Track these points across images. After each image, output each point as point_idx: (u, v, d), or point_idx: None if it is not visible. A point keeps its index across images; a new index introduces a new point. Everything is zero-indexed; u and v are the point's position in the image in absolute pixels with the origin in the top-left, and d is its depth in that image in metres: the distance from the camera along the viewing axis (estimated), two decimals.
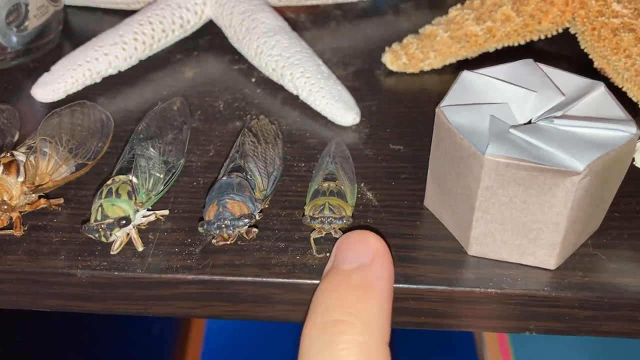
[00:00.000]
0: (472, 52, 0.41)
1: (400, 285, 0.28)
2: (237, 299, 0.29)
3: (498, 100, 0.29)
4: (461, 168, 0.28)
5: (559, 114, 0.28)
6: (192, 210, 0.32)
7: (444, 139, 0.29)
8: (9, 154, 0.30)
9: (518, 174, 0.26)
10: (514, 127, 0.27)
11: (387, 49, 0.42)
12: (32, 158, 0.30)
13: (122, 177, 0.29)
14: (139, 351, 0.77)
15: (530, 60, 0.31)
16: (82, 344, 0.61)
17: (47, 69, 0.40)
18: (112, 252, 0.29)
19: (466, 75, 0.31)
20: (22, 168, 0.29)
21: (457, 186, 0.28)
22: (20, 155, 0.30)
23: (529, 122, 0.29)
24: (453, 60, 0.41)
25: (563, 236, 0.27)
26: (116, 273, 0.29)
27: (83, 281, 0.29)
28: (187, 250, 0.29)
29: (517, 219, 0.27)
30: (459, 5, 0.43)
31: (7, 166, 0.29)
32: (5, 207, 0.28)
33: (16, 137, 0.36)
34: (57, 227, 0.31)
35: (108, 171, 0.34)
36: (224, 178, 0.30)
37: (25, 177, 0.29)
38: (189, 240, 0.30)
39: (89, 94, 0.39)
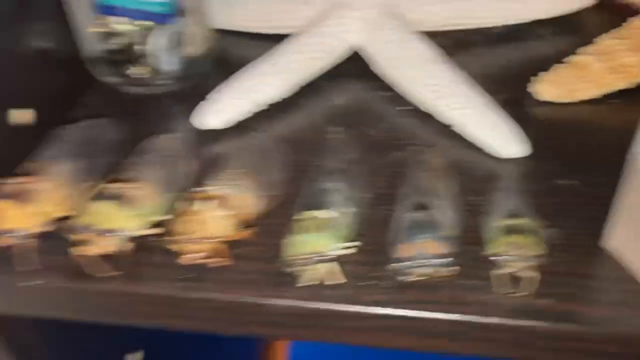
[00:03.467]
0: (628, 84, 0.41)
1: (598, 329, 0.28)
2: (428, 334, 0.30)
3: None
4: None
5: None
6: (373, 242, 0.32)
7: None
8: (216, 189, 0.31)
9: None
10: None
11: (537, 78, 0.42)
12: (235, 192, 0.31)
13: (319, 212, 0.30)
14: None
15: None
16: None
17: (201, 95, 0.41)
18: (305, 283, 0.30)
19: None
20: (230, 202, 0.30)
21: None
22: (225, 188, 0.31)
23: None
24: (608, 90, 0.41)
25: None
26: (316, 304, 0.30)
27: (281, 311, 0.30)
28: (379, 284, 0.30)
29: None
30: (609, 34, 0.43)
31: (219, 200, 0.30)
32: (220, 238, 0.29)
33: (189, 164, 0.37)
34: (250, 256, 0.32)
35: (286, 200, 0.35)
36: (411, 216, 0.30)
37: (233, 211, 0.30)
38: (379, 274, 0.31)
39: (247, 121, 0.41)
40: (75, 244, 0.31)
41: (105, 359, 0.49)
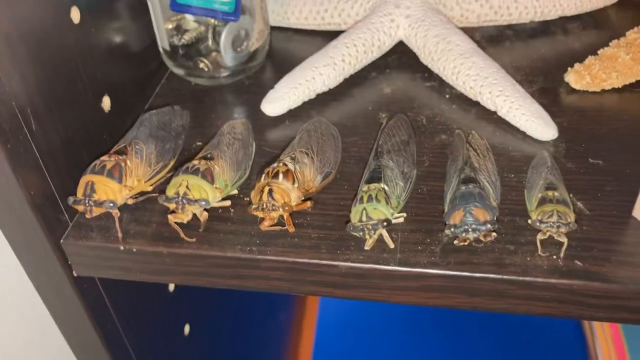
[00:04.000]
0: None
1: (625, 286, 0.32)
2: (474, 293, 0.34)
3: None
4: None
5: None
6: (423, 214, 0.37)
7: None
8: (282, 164, 0.35)
9: None
10: None
11: (570, 69, 0.46)
12: (298, 167, 0.35)
13: (376, 185, 0.35)
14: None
15: None
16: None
17: (258, 86, 0.46)
18: (366, 248, 0.34)
19: None
20: (295, 176, 0.35)
21: None
22: (290, 164, 0.35)
23: None
24: (633, 80, 0.45)
25: None
26: (373, 266, 0.34)
27: (343, 272, 0.34)
28: (429, 249, 0.35)
29: None
30: (636, 29, 0.46)
31: (285, 174, 0.34)
32: (287, 207, 0.34)
33: (254, 146, 0.42)
34: (312, 224, 0.36)
35: (341, 178, 0.39)
36: (463, 187, 0.34)
37: (298, 184, 0.35)
38: (428, 240, 0.35)
39: (304, 109, 0.45)
40: (156, 213, 0.36)
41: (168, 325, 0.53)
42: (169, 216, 0.35)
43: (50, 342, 0.43)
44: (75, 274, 0.38)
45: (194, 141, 0.43)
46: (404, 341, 1.02)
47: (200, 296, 0.58)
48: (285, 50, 0.53)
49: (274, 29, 0.55)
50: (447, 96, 0.46)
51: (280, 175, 0.35)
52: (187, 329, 0.56)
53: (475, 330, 1.01)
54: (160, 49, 0.48)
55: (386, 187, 0.35)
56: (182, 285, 0.53)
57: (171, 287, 0.52)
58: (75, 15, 0.38)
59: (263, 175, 0.35)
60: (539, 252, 0.34)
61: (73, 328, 0.42)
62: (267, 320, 0.87)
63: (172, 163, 0.40)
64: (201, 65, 0.48)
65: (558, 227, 0.33)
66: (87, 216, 0.36)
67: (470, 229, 0.33)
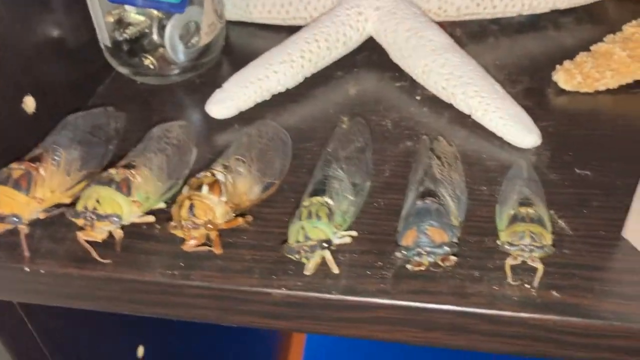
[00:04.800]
0: None
1: (609, 323, 0.27)
2: (430, 327, 0.29)
3: None
4: None
5: None
6: (377, 231, 0.31)
7: None
8: (209, 174, 0.30)
9: None
10: None
11: (558, 67, 0.40)
12: (230, 178, 0.30)
13: (318, 198, 0.30)
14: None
15: None
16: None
17: (212, 85, 0.41)
18: (306, 273, 0.29)
19: None
20: (223, 188, 0.30)
21: None
22: (219, 175, 0.30)
23: None
24: (630, 80, 0.39)
25: None
26: (312, 294, 0.29)
27: (278, 300, 0.29)
28: (379, 273, 0.29)
29: None
30: (634, 22, 0.41)
31: (211, 186, 0.29)
32: (211, 226, 0.29)
33: (194, 153, 0.37)
34: (247, 244, 0.31)
35: (288, 189, 0.34)
36: (419, 203, 0.29)
37: (227, 197, 0.30)
38: (380, 263, 0.30)
39: (257, 111, 0.40)
40: (73, 229, 0.31)
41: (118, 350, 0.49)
42: (79, 233, 0.30)
43: None
44: None
45: (131, 146, 0.38)
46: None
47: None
48: (246, 47, 0.48)
49: (236, 24, 0.50)
50: (418, 98, 0.41)
51: (205, 188, 0.29)
52: (140, 351, 0.51)
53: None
54: (102, 46, 0.43)
55: (330, 202, 0.30)
56: None
57: None
58: None
59: (186, 187, 0.30)
60: (509, 280, 0.28)
61: None
62: (245, 337, 0.82)
63: (97, 171, 0.35)
64: (146, 62, 0.43)
65: (531, 251, 0.28)
66: None
67: (423, 252, 0.27)
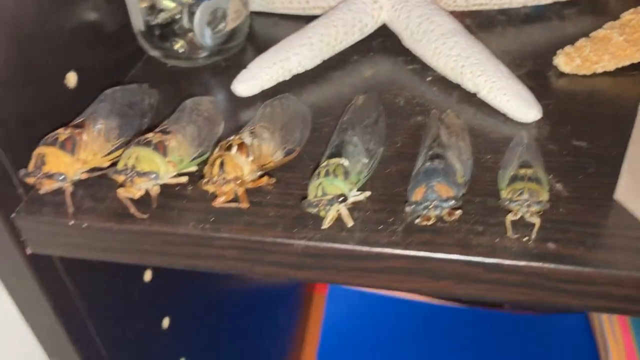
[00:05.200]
0: None
1: (599, 270, 0.29)
2: (438, 276, 0.32)
3: None
4: None
5: None
6: (388, 193, 0.34)
7: None
8: (237, 137, 0.33)
9: None
10: None
11: (559, 51, 0.43)
12: (256, 141, 0.34)
13: (336, 160, 0.33)
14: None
15: None
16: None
17: (237, 68, 0.44)
18: (323, 227, 0.32)
19: None
20: (250, 150, 0.33)
21: None
22: (247, 139, 0.34)
23: None
24: (627, 62, 0.42)
25: None
26: (330, 244, 0.32)
27: (299, 251, 0.32)
28: (390, 228, 0.32)
29: None
30: (632, 10, 0.44)
31: (240, 147, 0.33)
32: (239, 181, 0.32)
33: (222, 125, 0.40)
34: (271, 203, 0.34)
35: (308, 157, 0.37)
36: (428, 164, 0.32)
37: (253, 158, 0.33)
38: (391, 219, 0.33)
39: (279, 90, 0.43)
40: (113, 189, 0.34)
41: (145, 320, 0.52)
42: (119, 190, 0.34)
43: (13, 328, 0.41)
44: (29, 251, 0.37)
45: (163, 121, 0.41)
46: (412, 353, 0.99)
47: (181, 287, 0.57)
48: (269, 34, 0.51)
49: (259, 14, 0.53)
50: (429, 79, 0.44)
51: (234, 148, 0.33)
52: (166, 322, 0.54)
53: (483, 333, 0.98)
54: (135, 30, 0.47)
55: (346, 163, 0.33)
56: (159, 275, 0.51)
57: (147, 276, 0.50)
58: None
59: (217, 148, 0.34)
60: (509, 235, 0.31)
61: (32, 311, 0.40)
62: (264, 318, 0.85)
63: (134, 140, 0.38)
64: (177, 46, 0.46)
65: (528, 205, 0.31)
66: (40, 191, 0.35)
67: (431, 206, 0.30)
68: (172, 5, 0.45)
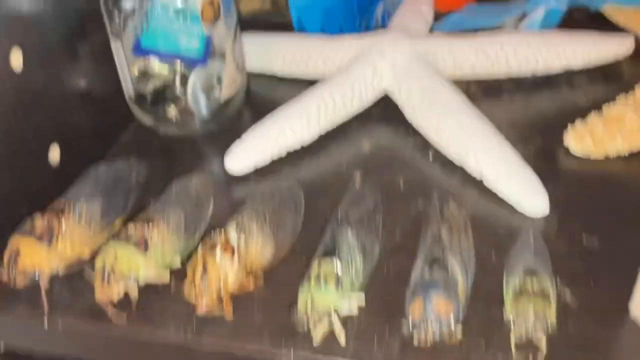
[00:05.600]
0: None
1: None
2: None
3: None
4: None
5: None
6: (386, 299, 0.32)
7: None
8: (223, 236, 0.31)
9: None
10: None
11: (569, 129, 0.41)
12: (242, 238, 0.31)
13: (328, 266, 0.30)
14: None
15: None
16: None
17: (232, 134, 0.42)
18: (314, 344, 0.30)
19: None
20: (236, 253, 0.30)
21: None
22: (232, 234, 0.31)
23: None
24: None
25: None
26: (321, 357, 0.30)
27: None
28: (386, 343, 0.30)
29: None
30: None
31: (224, 247, 0.30)
32: (223, 291, 0.29)
33: (211, 206, 0.38)
34: (258, 307, 0.32)
35: (300, 249, 0.35)
36: (427, 273, 0.30)
37: (239, 262, 0.30)
38: (387, 333, 0.30)
39: (274, 165, 0.41)
40: (91, 286, 0.32)
41: None
42: (96, 293, 0.31)
43: None
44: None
45: (151, 196, 0.39)
46: None
47: None
48: (267, 97, 0.49)
49: (258, 75, 0.51)
50: (431, 154, 0.41)
51: (218, 249, 0.30)
52: None
53: None
54: (127, 97, 0.45)
55: (338, 266, 0.30)
56: None
57: None
58: (16, 59, 0.35)
59: (200, 245, 0.31)
60: (513, 356, 0.29)
61: None
62: None
63: (118, 222, 0.36)
64: (169, 114, 0.44)
65: (534, 327, 0.28)
66: (14, 287, 0.33)
67: (429, 327, 0.28)
68: (165, 71, 0.43)
